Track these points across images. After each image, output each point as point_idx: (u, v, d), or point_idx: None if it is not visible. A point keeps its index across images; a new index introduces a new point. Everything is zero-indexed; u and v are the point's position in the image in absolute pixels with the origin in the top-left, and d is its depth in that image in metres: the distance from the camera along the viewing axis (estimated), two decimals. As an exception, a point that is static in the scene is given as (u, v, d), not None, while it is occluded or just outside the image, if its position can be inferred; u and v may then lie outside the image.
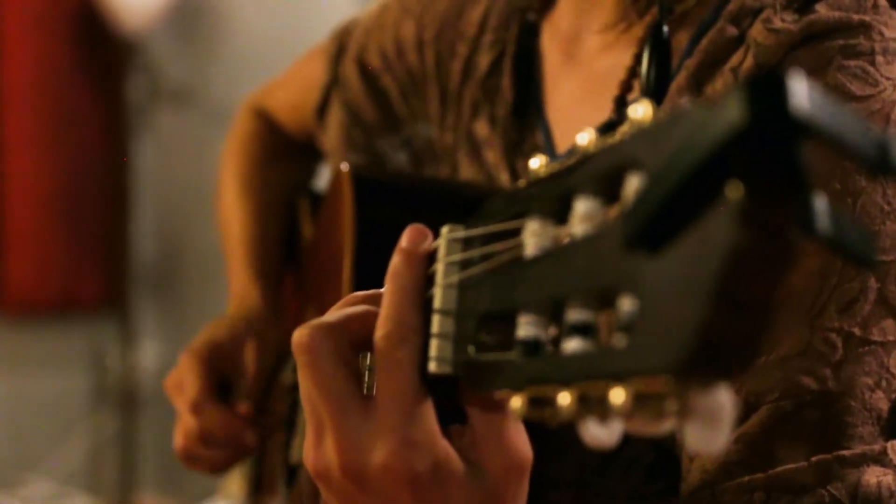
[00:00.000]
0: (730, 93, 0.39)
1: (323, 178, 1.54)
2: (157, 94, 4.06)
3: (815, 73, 0.87)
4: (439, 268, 0.65)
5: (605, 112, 1.03)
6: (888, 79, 0.86)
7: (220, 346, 1.31)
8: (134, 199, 4.13)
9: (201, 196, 4.10)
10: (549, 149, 1.09)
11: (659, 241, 0.43)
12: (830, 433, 0.83)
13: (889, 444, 0.83)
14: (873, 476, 0.82)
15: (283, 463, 1.38)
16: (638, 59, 1.00)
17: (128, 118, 4.08)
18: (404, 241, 0.68)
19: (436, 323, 0.64)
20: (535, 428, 0.67)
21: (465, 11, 1.21)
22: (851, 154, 0.38)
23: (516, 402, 0.55)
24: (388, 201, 1.13)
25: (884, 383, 0.83)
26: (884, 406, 0.83)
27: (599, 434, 0.53)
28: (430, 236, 0.68)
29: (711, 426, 0.46)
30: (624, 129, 0.48)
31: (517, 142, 1.12)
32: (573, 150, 0.53)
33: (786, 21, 0.90)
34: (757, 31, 0.91)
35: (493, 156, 1.14)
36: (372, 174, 1.24)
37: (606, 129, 1.00)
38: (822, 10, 0.89)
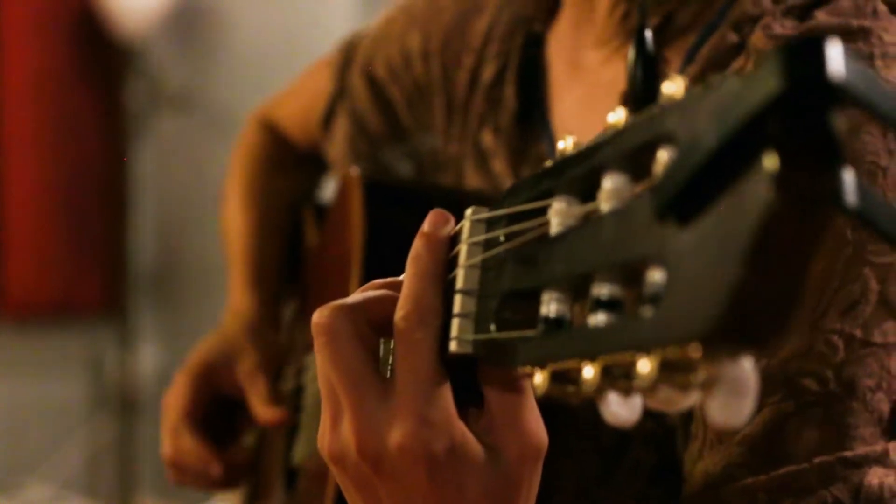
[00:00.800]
0: (766, 59, 0.39)
1: (328, 190, 1.55)
2: (157, 99, 4.07)
3: None
4: (462, 249, 0.65)
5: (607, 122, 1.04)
6: (888, 82, 0.87)
7: (213, 363, 1.34)
8: (133, 203, 4.13)
9: (200, 201, 4.11)
10: (553, 157, 1.10)
11: (690, 211, 0.44)
12: (832, 435, 0.83)
13: (891, 445, 0.83)
14: (875, 477, 0.82)
15: (282, 466, 1.38)
16: None
17: (127, 123, 4.09)
18: (426, 224, 0.69)
19: (458, 303, 0.64)
20: None
21: (470, 22, 1.22)
22: (886, 121, 0.39)
23: (539, 377, 0.55)
24: (398, 207, 1.13)
25: (885, 385, 0.84)
26: (885, 407, 0.84)
27: (620, 411, 0.54)
28: (452, 221, 0.69)
29: (737, 397, 0.46)
30: (653, 107, 0.49)
31: (522, 150, 1.13)
32: (603, 128, 0.54)
33: (786, 27, 0.91)
34: (758, 38, 0.92)
35: (498, 165, 1.14)
36: (381, 179, 1.25)
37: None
38: (821, 17, 0.90)
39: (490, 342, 0.61)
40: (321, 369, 0.69)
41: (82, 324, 4.14)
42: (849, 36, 0.88)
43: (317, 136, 1.43)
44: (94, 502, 4.01)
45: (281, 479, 1.38)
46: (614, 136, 0.52)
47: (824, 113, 0.39)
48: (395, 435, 0.65)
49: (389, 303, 0.69)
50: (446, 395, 0.66)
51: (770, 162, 0.40)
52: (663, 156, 0.47)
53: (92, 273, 4.09)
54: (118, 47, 3.99)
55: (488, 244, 0.64)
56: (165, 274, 4.26)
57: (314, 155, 1.48)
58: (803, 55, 0.38)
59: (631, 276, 0.50)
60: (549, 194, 0.58)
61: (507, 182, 1.13)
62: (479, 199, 1.16)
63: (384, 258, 1.05)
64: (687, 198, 0.44)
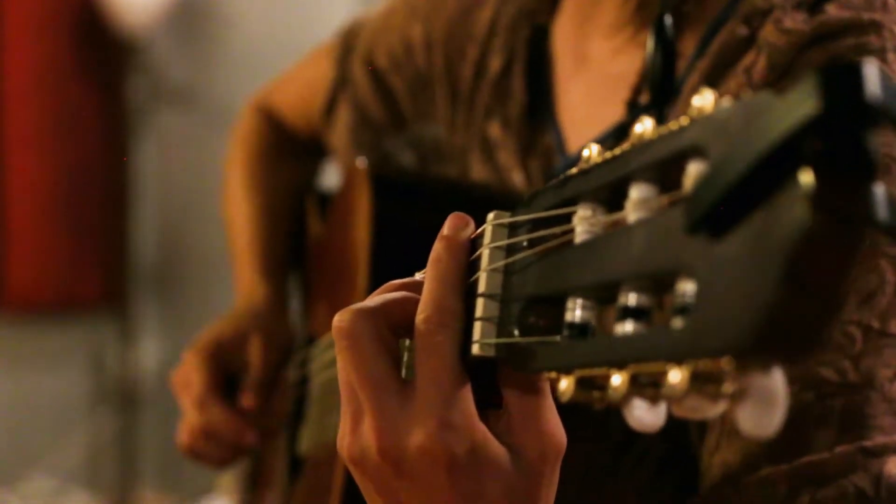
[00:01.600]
0: (803, 80, 0.40)
1: (328, 176, 1.55)
2: (158, 95, 4.07)
3: None
4: (484, 253, 0.65)
5: (616, 114, 1.03)
6: None
7: (225, 342, 1.33)
8: (134, 199, 4.14)
9: (201, 196, 4.11)
10: (560, 150, 1.10)
11: (723, 225, 0.44)
12: (852, 424, 0.84)
13: None
14: (895, 466, 0.83)
15: (285, 456, 1.38)
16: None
17: (128, 119, 4.09)
18: (446, 228, 0.69)
19: (480, 307, 0.64)
20: None
21: (473, 13, 1.22)
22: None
23: (565, 383, 0.56)
24: (405, 199, 1.14)
25: None
26: None
27: (645, 417, 0.54)
28: (472, 224, 0.69)
29: (768, 407, 0.47)
30: (683, 118, 0.49)
31: (529, 143, 1.13)
32: (630, 137, 0.54)
33: (797, 21, 0.91)
34: (768, 32, 0.92)
35: (505, 157, 1.14)
36: (389, 172, 1.25)
37: (619, 131, 1.02)
38: (832, 10, 0.90)
39: (513, 346, 0.62)
40: (342, 372, 0.69)
41: (83, 318, 4.15)
42: (860, 29, 0.89)
43: (317, 123, 1.43)
44: (95, 496, 4.02)
45: (284, 468, 1.39)
46: (642, 147, 0.52)
47: (861, 133, 0.39)
48: (417, 437, 0.65)
49: (409, 305, 0.69)
50: (467, 397, 0.66)
51: (807, 180, 0.40)
52: (694, 169, 0.48)
53: (93, 267, 4.09)
54: (120, 43, 3.99)
55: (511, 249, 0.64)
56: (166, 269, 4.26)
57: (314, 142, 1.47)
58: (841, 77, 0.39)
59: (659, 286, 0.51)
60: (574, 201, 0.58)
61: (513, 174, 1.13)
62: (486, 193, 1.17)
63: (392, 250, 1.06)
64: (720, 211, 0.44)
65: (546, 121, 1.12)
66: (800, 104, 0.40)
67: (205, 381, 1.29)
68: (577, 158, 1.07)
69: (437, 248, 0.69)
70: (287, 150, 1.52)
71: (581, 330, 0.56)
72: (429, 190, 1.18)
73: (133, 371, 4.10)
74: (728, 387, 0.47)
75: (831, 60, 0.90)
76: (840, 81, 0.39)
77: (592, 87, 1.09)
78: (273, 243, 1.46)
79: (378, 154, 1.34)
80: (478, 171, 1.18)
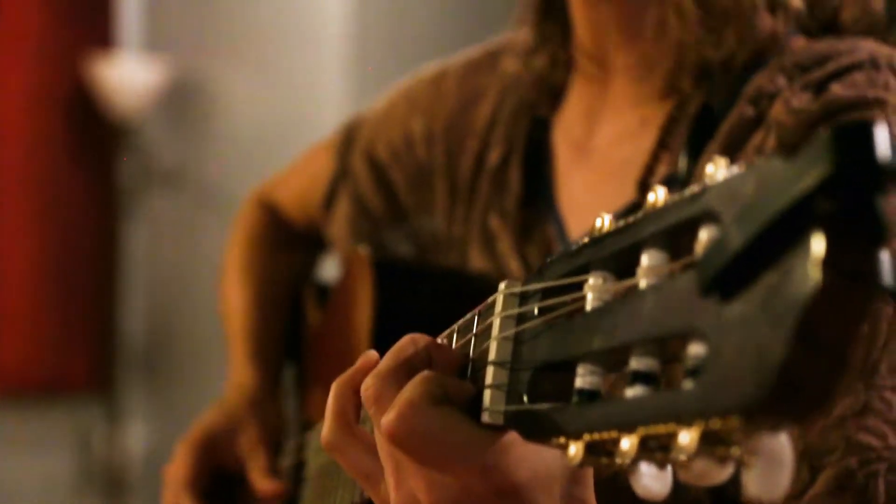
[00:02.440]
0: (814, 141, 0.41)
1: (327, 269, 1.56)
2: (148, 177, 4.10)
3: None
4: (495, 322, 0.66)
5: (622, 198, 1.05)
6: None
7: (216, 433, 1.35)
8: (123, 281, 4.14)
9: (191, 279, 4.12)
10: (562, 238, 1.12)
11: (734, 286, 0.45)
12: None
13: None
14: None
15: None
16: (661, 144, 1.04)
17: (118, 201, 4.11)
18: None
19: (489, 375, 0.65)
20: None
21: (473, 108, 1.24)
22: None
23: (573, 449, 0.56)
24: (406, 287, 1.15)
25: None
26: None
27: (652, 485, 0.55)
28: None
29: (775, 470, 0.47)
30: (696, 185, 0.51)
31: (527, 233, 1.14)
32: (639, 208, 0.55)
33: (804, 101, 0.94)
34: (777, 112, 0.95)
35: (503, 246, 1.16)
36: (390, 260, 1.26)
37: (629, 211, 1.03)
38: (837, 90, 0.93)
39: (522, 413, 0.63)
40: (377, 436, 0.71)
41: (70, 401, 4.12)
42: (865, 106, 0.92)
43: (316, 216, 1.45)
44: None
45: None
46: (655, 214, 0.53)
47: (873, 195, 0.40)
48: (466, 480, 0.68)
49: (421, 362, 0.71)
50: (501, 445, 0.68)
51: (817, 242, 0.41)
52: (705, 234, 0.49)
53: (81, 350, 4.08)
54: (111, 125, 4.03)
55: (521, 318, 0.65)
56: (155, 352, 4.25)
57: (313, 234, 1.49)
58: (852, 138, 0.40)
59: (670, 349, 0.52)
60: (585, 270, 0.59)
61: (512, 262, 1.14)
62: (485, 282, 1.18)
63: (392, 337, 1.06)
64: (731, 273, 0.45)
65: (546, 211, 1.14)
66: (811, 165, 0.41)
67: (184, 477, 1.32)
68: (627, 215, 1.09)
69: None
70: (285, 241, 1.54)
71: (591, 395, 0.57)
72: (430, 277, 1.20)
73: (120, 455, 4.07)
74: (736, 449, 0.47)
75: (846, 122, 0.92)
76: (851, 142, 0.40)
77: (596, 176, 1.11)
78: (267, 331, 1.48)
79: (377, 245, 1.36)
80: (476, 261, 1.19)
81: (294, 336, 1.50)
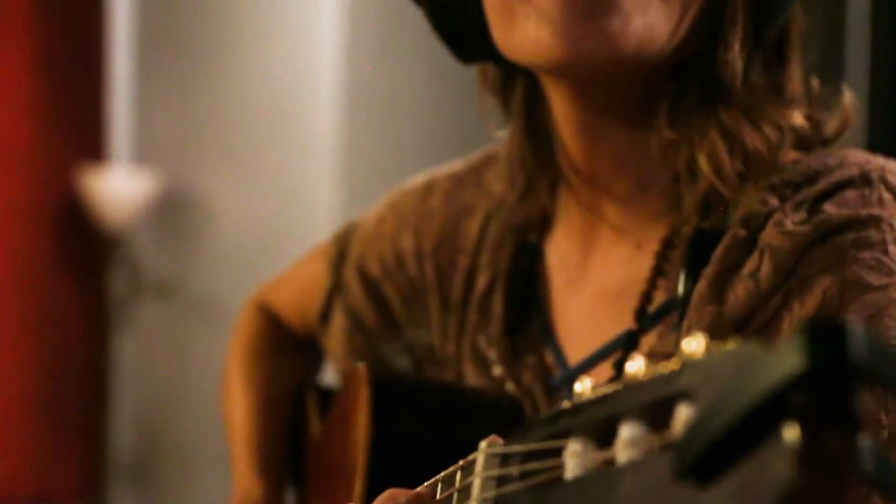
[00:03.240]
0: (791, 337, 0.41)
1: (329, 374, 1.55)
2: (139, 288, 4.11)
3: (832, 268, 0.90)
4: (476, 482, 0.66)
5: (619, 325, 1.04)
6: None
7: None
8: (114, 392, 4.13)
9: (181, 390, 4.11)
10: (561, 364, 1.11)
11: (710, 474, 0.45)
12: None
13: None
14: None
15: None
16: (657, 270, 1.03)
17: (109, 311, 4.12)
18: None
19: (469, 537, 0.65)
20: None
21: (462, 225, 1.24)
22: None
23: None
24: (405, 405, 1.14)
25: None
26: None
27: None
28: None
29: None
30: (675, 361, 0.51)
31: (518, 359, 1.14)
32: (623, 376, 0.55)
33: (797, 222, 0.93)
34: (770, 235, 0.94)
35: (498, 371, 1.16)
36: (389, 377, 1.26)
37: (628, 339, 1.03)
38: (830, 209, 0.93)
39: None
40: None
41: (61, 512, 4.10)
42: (860, 225, 0.91)
43: (314, 325, 1.45)
44: None
45: None
46: (634, 387, 0.53)
47: (845, 391, 0.41)
48: None
49: None
50: None
51: (791, 435, 0.42)
52: (683, 412, 0.49)
53: (71, 461, 4.06)
54: (101, 236, 4.05)
55: (502, 480, 0.65)
56: (145, 463, 4.22)
57: (313, 341, 1.49)
58: (826, 337, 0.40)
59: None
60: (566, 435, 0.59)
61: (508, 385, 1.14)
62: (484, 398, 1.17)
63: (390, 457, 1.06)
64: (707, 460, 0.45)
65: (541, 338, 1.14)
66: (785, 360, 0.42)
67: None
68: (579, 370, 1.07)
69: None
70: (286, 346, 1.53)
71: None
72: (428, 395, 1.19)
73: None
74: None
75: (824, 258, 0.92)
76: (825, 341, 0.41)
77: (592, 302, 1.10)
78: (270, 439, 1.46)
79: (373, 359, 1.36)
80: (472, 381, 1.19)
81: (296, 441, 1.49)
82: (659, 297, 1.03)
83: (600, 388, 0.58)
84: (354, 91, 3.78)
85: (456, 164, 1.31)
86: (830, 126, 1.03)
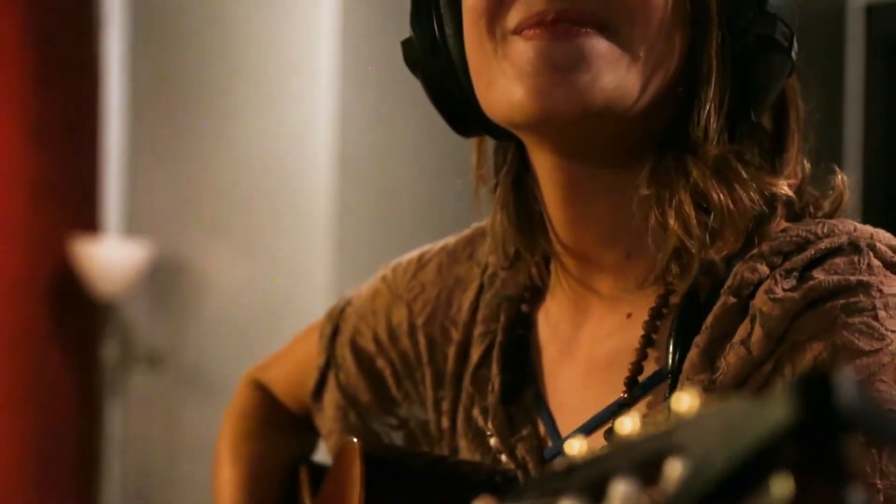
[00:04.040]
0: (779, 390, 0.42)
1: (322, 452, 1.55)
2: (131, 357, 4.11)
3: (822, 334, 0.91)
4: (468, 542, 0.66)
5: (610, 396, 1.05)
6: (893, 331, 0.90)
7: None
8: (105, 460, 4.10)
9: (172, 459, 4.09)
10: (553, 436, 1.11)
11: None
12: None
13: None
14: None
15: None
16: (647, 340, 1.04)
17: (101, 380, 4.10)
18: None
19: None
20: None
21: (455, 297, 1.24)
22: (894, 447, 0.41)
23: None
24: (398, 481, 1.14)
25: None
26: None
27: None
28: None
29: None
30: (666, 418, 0.51)
31: (514, 430, 1.14)
32: (614, 437, 0.56)
33: (786, 290, 0.94)
34: (761, 302, 0.95)
35: (494, 442, 1.15)
36: (382, 452, 1.26)
37: (619, 409, 1.03)
38: (819, 276, 0.93)
39: None
40: None
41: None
42: (849, 291, 0.92)
43: (308, 403, 1.44)
44: None
45: None
46: (625, 446, 0.54)
47: (834, 442, 0.41)
48: None
49: None
50: None
51: (779, 487, 0.42)
52: (673, 467, 0.49)
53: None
54: (95, 305, 4.05)
55: (495, 542, 0.65)
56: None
57: (307, 419, 1.48)
58: (814, 390, 0.41)
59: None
60: (558, 495, 0.60)
61: (502, 458, 1.14)
62: (478, 472, 1.17)
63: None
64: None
65: (534, 408, 1.14)
66: (774, 412, 0.42)
67: None
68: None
69: None
70: (279, 424, 1.52)
71: None
72: (421, 469, 1.19)
73: None
74: None
75: (815, 324, 0.93)
76: (813, 393, 0.41)
77: (583, 372, 1.10)
78: None
79: (367, 434, 1.35)
80: (466, 455, 1.18)
81: None
82: (650, 367, 1.03)
83: (593, 448, 0.58)
84: (348, 159, 3.80)
85: (449, 239, 1.32)
86: (825, 204, 1.04)
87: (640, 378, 1.03)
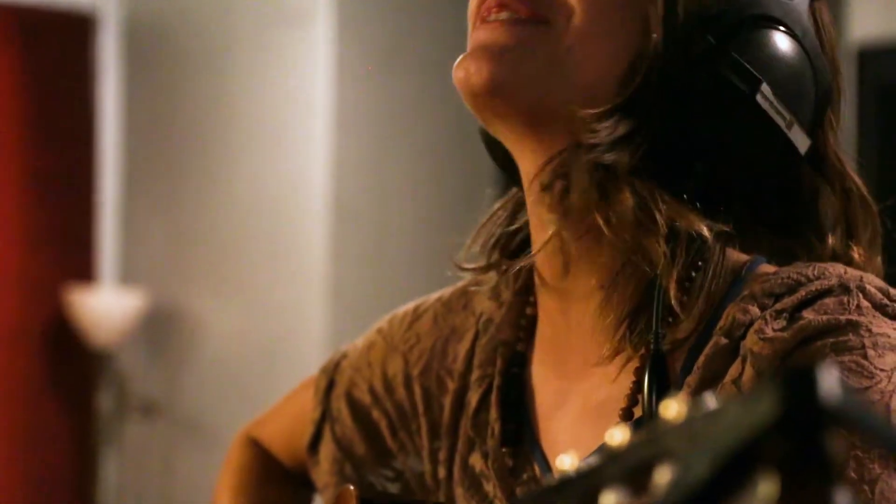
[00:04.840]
0: (763, 386, 0.43)
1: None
2: (126, 406, 4.10)
3: None
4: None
5: (602, 440, 1.05)
6: (882, 370, 0.91)
7: None
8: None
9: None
10: (547, 478, 1.11)
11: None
12: None
13: None
14: None
15: None
16: (637, 386, 1.04)
17: (96, 430, 4.09)
18: None
19: None
20: None
21: (450, 346, 1.24)
22: (877, 442, 0.42)
23: None
24: None
25: None
26: None
27: None
28: None
29: None
30: (654, 427, 0.52)
31: (513, 473, 1.14)
32: (605, 448, 0.56)
33: (776, 330, 0.95)
34: (751, 342, 0.95)
35: (491, 487, 1.15)
36: (378, 497, 1.26)
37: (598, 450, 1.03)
38: (809, 316, 0.94)
39: None
40: None
41: None
42: (838, 330, 0.93)
43: (303, 458, 1.44)
44: None
45: None
46: (614, 456, 0.54)
47: (818, 436, 0.42)
48: None
49: None
50: None
51: (765, 482, 0.43)
52: (663, 472, 0.50)
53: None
54: (90, 354, 4.05)
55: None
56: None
57: (303, 474, 1.48)
58: (797, 383, 0.42)
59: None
60: (551, 509, 0.60)
61: (497, 502, 1.13)
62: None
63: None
64: (688, 513, 0.46)
65: (529, 450, 1.14)
66: (758, 408, 0.43)
67: None
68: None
69: None
70: (274, 479, 1.52)
71: None
72: None
73: None
74: None
75: (804, 361, 0.93)
76: (796, 387, 0.42)
77: (577, 415, 1.10)
78: None
79: (362, 488, 1.35)
80: (462, 503, 1.18)
81: None
82: (641, 410, 1.03)
83: (584, 462, 0.59)
84: (343, 207, 3.82)
85: (444, 290, 1.32)
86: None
87: (632, 421, 1.04)
